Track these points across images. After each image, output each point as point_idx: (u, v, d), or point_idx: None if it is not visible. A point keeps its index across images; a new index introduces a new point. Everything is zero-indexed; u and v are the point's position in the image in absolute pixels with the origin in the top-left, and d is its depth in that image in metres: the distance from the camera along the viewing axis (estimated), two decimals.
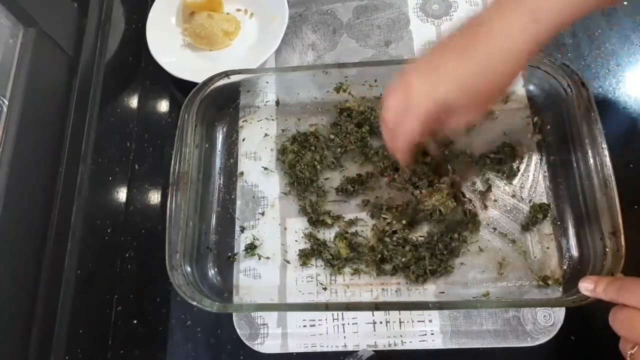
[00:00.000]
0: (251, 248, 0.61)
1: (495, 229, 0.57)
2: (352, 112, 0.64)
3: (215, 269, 0.60)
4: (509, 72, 0.42)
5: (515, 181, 0.59)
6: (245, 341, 0.58)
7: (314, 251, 0.59)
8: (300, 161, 0.62)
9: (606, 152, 0.51)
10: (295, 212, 0.62)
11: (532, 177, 0.59)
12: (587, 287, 0.45)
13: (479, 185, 0.59)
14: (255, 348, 0.57)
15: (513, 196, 0.59)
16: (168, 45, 0.72)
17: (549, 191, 0.58)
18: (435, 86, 0.43)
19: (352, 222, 0.60)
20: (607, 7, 0.40)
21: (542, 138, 0.60)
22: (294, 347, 0.57)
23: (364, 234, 0.59)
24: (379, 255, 0.57)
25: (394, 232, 0.57)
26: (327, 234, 0.60)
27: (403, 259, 0.56)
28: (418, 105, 0.44)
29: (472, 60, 0.41)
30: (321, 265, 0.59)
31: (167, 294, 0.61)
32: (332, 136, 0.63)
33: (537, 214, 0.56)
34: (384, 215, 0.58)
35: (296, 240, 0.61)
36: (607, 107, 0.62)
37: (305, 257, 0.59)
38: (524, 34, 0.40)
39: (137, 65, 0.73)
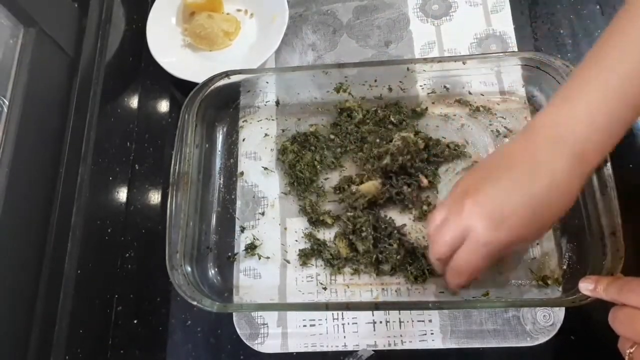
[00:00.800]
0: (251, 248, 0.61)
1: None
2: (352, 112, 0.64)
3: (216, 269, 0.60)
4: (566, 202, 0.43)
5: None
6: (245, 341, 0.58)
7: (314, 251, 0.59)
8: (300, 161, 0.62)
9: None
10: (295, 212, 0.62)
11: None
12: (587, 286, 0.45)
13: None
14: (256, 348, 0.57)
15: None
16: (168, 45, 0.72)
17: None
18: (500, 230, 0.42)
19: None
20: None
21: None
22: (294, 346, 0.57)
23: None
24: (374, 256, 0.57)
25: (361, 228, 0.57)
26: (327, 234, 0.60)
27: (398, 257, 0.56)
28: (485, 245, 0.43)
29: (530, 198, 0.42)
30: (321, 265, 0.59)
31: (167, 294, 0.61)
32: (332, 136, 0.64)
33: None
34: (348, 214, 0.59)
35: (296, 240, 0.61)
36: None
37: (305, 257, 0.59)
38: (573, 171, 0.41)
39: (137, 65, 0.73)
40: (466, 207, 0.44)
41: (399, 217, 0.60)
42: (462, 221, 0.44)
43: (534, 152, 0.42)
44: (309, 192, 0.61)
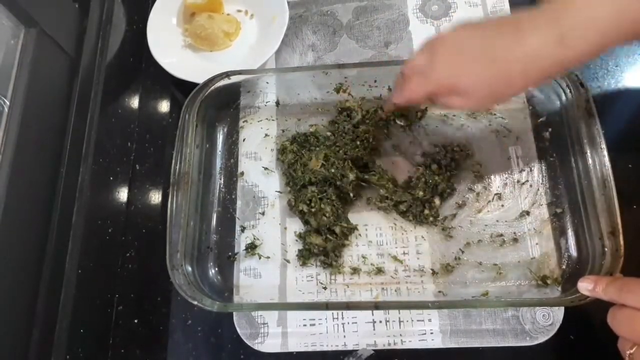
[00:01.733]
0: (251, 248, 0.61)
1: (494, 228, 0.58)
2: (352, 112, 0.64)
3: (216, 269, 0.60)
4: (524, 84, 0.44)
5: (514, 181, 0.59)
6: (245, 340, 0.58)
7: (309, 252, 0.59)
8: (298, 161, 0.62)
9: (605, 152, 0.51)
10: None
11: (531, 177, 0.59)
12: (586, 286, 0.45)
13: (477, 187, 0.60)
14: (256, 347, 0.58)
15: (512, 196, 0.59)
16: (169, 45, 0.72)
17: (548, 191, 0.58)
18: (457, 72, 0.45)
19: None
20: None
21: (544, 138, 0.60)
22: (294, 346, 0.57)
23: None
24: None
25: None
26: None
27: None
28: (435, 79, 0.47)
29: (495, 62, 0.43)
30: (321, 265, 0.59)
31: (167, 294, 0.61)
32: (328, 133, 0.64)
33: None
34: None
35: (296, 240, 0.61)
36: (606, 107, 0.62)
37: (303, 257, 0.59)
38: (548, 54, 0.42)
39: (138, 65, 0.73)
40: (438, 43, 0.47)
41: (400, 218, 0.60)
42: (431, 52, 0.47)
43: (526, 24, 0.43)
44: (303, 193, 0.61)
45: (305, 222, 0.60)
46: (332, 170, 0.59)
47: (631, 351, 0.39)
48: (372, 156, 0.61)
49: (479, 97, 0.46)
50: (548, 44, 0.41)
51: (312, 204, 0.59)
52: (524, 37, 0.42)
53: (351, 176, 0.59)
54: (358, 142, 0.61)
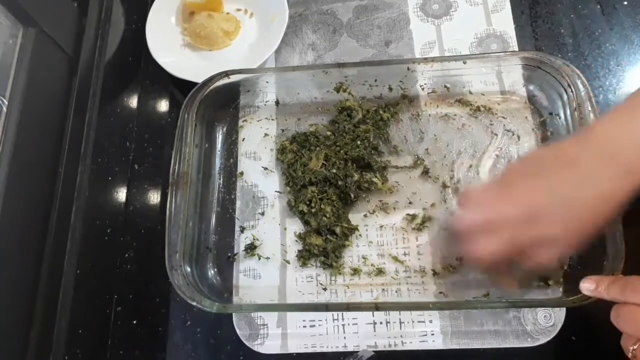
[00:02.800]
0: (251, 248, 0.60)
1: None
2: (352, 112, 0.63)
3: (215, 269, 0.60)
4: (608, 213, 0.44)
5: None
6: (245, 341, 0.58)
7: (309, 252, 0.59)
8: (298, 160, 0.62)
9: None
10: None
11: None
12: (588, 287, 0.44)
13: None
14: (255, 348, 0.57)
15: None
16: (168, 45, 0.72)
17: None
18: (538, 224, 0.44)
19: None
20: None
21: (545, 137, 0.60)
22: (294, 347, 0.57)
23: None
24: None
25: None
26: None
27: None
28: (519, 236, 0.45)
29: (574, 203, 0.43)
30: (321, 266, 0.59)
31: (166, 294, 0.61)
32: (328, 132, 0.63)
33: None
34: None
35: (296, 241, 0.61)
36: (607, 107, 0.62)
37: (303, 258, 0.59)
38: (620, 184, 0.42)
39: (136, 65, 0.73)
40: (507, 200, 0.46)
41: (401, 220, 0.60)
42: (500, 214, 0.45)
43: (585, 162, 0.44)
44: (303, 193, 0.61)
45: (305, 223, 0.60)
46: (333, 171, 0.59)
47: (634, 347, 0.39)
48: (372, 156, 0.61)
49: (567, 239, 0.44)
50: (617, 180, 0.42)
51: (312, 204, 0.59)
52: (591, 176, 0.43)
53: (356, 176, 0.59)
54: (358, 142, 0.61)
